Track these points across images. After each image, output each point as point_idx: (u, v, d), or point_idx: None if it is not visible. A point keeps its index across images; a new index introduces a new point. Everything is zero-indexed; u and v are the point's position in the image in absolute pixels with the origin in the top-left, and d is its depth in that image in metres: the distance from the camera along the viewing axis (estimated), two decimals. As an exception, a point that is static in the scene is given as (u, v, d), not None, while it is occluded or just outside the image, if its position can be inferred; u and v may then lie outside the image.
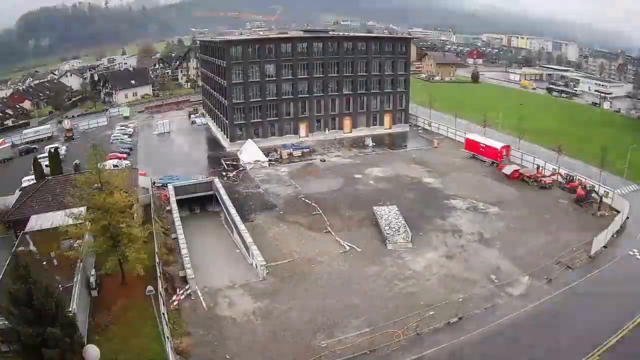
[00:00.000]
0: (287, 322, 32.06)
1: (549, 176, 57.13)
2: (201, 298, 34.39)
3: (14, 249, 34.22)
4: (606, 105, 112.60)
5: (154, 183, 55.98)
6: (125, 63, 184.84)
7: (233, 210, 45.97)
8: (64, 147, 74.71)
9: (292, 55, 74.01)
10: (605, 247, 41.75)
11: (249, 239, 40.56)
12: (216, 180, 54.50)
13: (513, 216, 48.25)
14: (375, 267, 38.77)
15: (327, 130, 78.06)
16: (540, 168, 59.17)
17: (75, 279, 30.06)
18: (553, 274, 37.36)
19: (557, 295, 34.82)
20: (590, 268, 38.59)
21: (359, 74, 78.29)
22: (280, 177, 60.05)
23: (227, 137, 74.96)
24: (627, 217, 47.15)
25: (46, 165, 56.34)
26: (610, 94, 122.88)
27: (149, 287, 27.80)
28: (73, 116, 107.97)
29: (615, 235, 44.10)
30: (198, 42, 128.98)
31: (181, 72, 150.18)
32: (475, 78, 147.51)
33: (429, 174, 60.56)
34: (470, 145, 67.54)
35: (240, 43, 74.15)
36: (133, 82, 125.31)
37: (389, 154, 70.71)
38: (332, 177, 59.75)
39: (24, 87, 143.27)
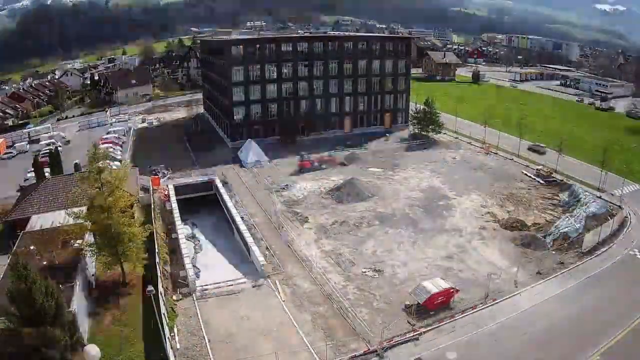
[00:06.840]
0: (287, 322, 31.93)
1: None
2: (203, 297, 34.32)
3: (14, 248, 34.16)
4: (607, 105, 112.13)
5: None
6: (125, 63, 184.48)
7: (234, 210, 45.89)
8: None
9: (292, 55, 73.99)
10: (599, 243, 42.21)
11: (249, 239, 40.50)
12: (216, 180, 54.29)
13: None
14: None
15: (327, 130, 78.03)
16: None
17: (75, 279, 30.03)
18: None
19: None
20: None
21: (359, 73, 78.16)
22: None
23: (227, 137, 74.91)
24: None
25: None
26: (611, 93, 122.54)
27: (149, 287, 27.75)
28: (73, 116, 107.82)
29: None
30: (198, 41, 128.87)
31: (181, 71, 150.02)
32: (475, 78, 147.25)
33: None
34: None
35: (241, 43, 73.94)
36: (133, 81, 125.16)
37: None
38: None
39: (24, 87, 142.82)
